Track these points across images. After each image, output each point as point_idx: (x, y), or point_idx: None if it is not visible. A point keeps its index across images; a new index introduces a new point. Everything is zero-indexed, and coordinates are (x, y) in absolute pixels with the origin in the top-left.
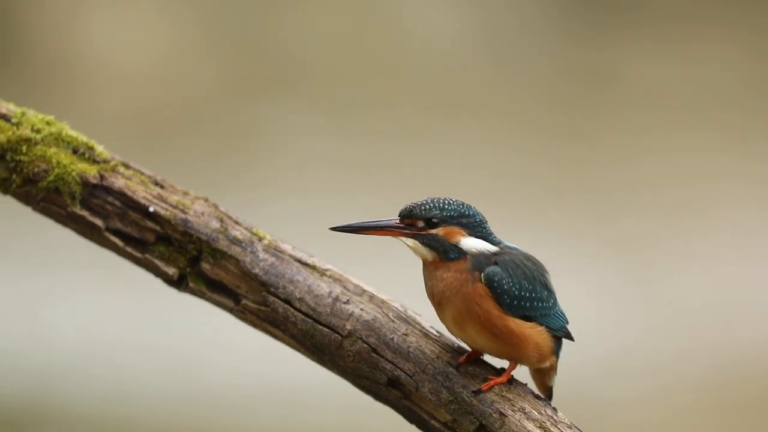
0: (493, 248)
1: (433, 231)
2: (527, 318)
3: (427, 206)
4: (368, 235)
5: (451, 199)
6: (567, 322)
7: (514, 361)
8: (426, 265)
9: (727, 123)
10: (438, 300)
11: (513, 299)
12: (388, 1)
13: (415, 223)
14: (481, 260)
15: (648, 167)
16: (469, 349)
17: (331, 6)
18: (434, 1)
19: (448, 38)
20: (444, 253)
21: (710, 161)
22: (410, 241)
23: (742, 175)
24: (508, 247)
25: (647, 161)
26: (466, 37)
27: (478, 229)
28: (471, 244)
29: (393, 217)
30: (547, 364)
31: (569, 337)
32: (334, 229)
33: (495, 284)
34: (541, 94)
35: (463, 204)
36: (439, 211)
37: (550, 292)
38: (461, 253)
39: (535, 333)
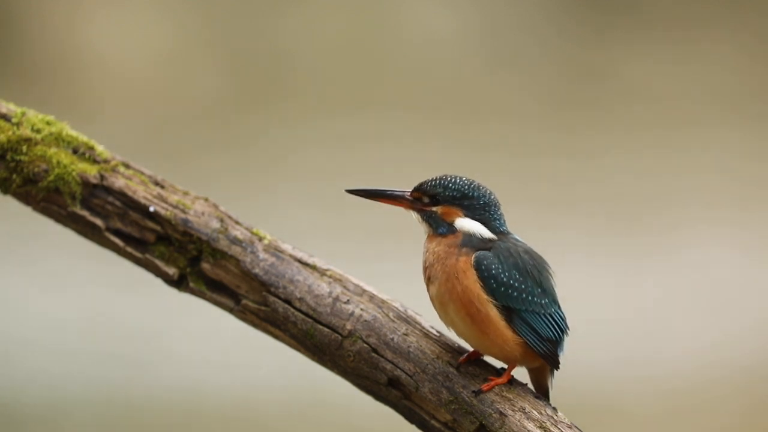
0: (488, 234)
1: (434, 208)
2: (511, 312)
3: (433, 183)
4: (379, 202)
5: (461, 179)
6: (564, 330)
7: (495, 357)
8: (426, 238)
9: (725, 121)
10: (428, 275)
11: (500, 285)
12: (388, 2)
13: (422, 197)
14: (473, 241)
15: (647, 165)
16: (470, 349)
17: (331, 8)
18: (434, 1)
19: (448, 38)
20: (436, 228)
21: (708, 158)
22: (414, 214)
23: (740, 172)
24: (513, 239)
25: (647, 159)
26: (465, 37)
27: (480, 212)
28: (465, 224)
29: (408, 189)
30: (536, 364)
31: (553, 362)
32: (349, 191)
33: (483, 267)
34: (541, 93)
35: (470, 185)
36: (441, 190)
37: (544, 290)
38: (452, 230)
39: (511, 337)
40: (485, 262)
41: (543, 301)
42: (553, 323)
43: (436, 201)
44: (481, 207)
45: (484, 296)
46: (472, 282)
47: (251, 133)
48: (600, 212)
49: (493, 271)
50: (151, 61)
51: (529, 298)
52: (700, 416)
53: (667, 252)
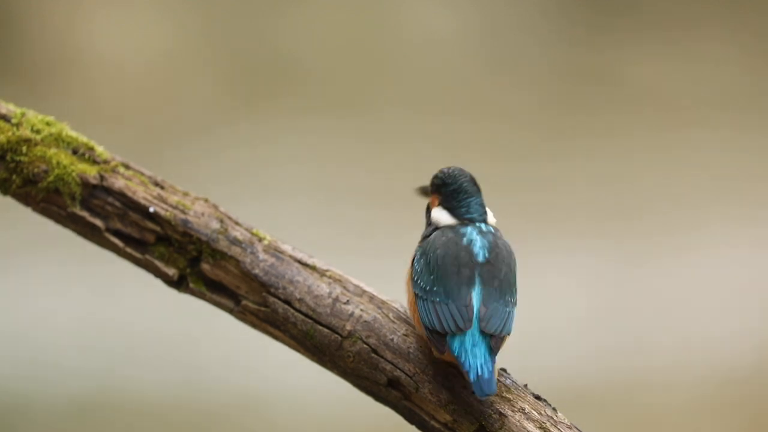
0: (449, 221)
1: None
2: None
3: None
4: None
5: (447, 168)
6: (446, 325)
7: None
8: None
9: (726, 122)
10: None
11: (413, 272)
12: (388, 2)
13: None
14: (427, 231)
15: (648, 166)
16: None
17: (331, 8)
18: (434, 1)
19: (448, 38)
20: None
21: (710, 159)
22: None
23: (741, 173)
24: (461, 230)
25: (648, 161)
26: (465, 37)
27: (449, 197)
28: (436, 214)
29: None
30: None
31: (435, 347)
32: (418, 190)
33: (414, 257)
34: (541, 94)
35: (447, 172)
36: (433, 180)
37: (440, 281)
38: (428, 222)
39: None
40: (416, 253)
41: (433, 288)
42: (434, 312)
43: (432, 193)
44: (450, 194)
45: (411, 286)
46: (408, 273)
47: (251, 133)
48: (601, 213)
49: (414, 260)
50: (151, 61)
51: (421, 283)
52: (702, 417)
53: (670, 252)
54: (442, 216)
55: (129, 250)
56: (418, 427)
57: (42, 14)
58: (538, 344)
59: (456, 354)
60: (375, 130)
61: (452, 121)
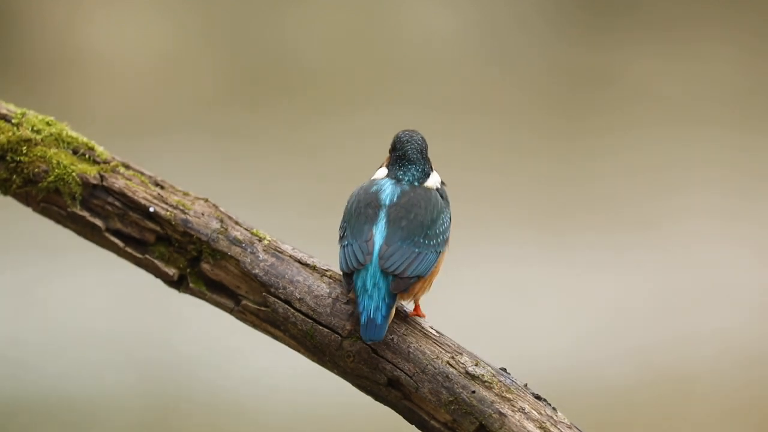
0: (379, 177)
1: None
2: None
3: None
4: None
5: (403, 132)
6: (348, 264)
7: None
8: None
9: (725, 121)
10: None
11: None
12: (388, 2)
13: None
14: None
15: (648, 164)
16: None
17: (331, 8)
18: (434, 1)
19: (448, 38)
20: None
21: (710, 157)
22: None
23: (741, 172)
24: (383, 181)
25: (648, 159)
26: (465, 36)
27: (394, 161)
28: (378, 171)
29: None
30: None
31: (345, 286)
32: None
33: None
34: (540, 94)
35: (399, 135)
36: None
37: (350, 224)
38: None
39: None
40: None
41: (345, 234)
42: (343, 255)
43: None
44: (395, 159)
45: None
46: None
47: (251, 133)
48: (600, 211)
49: None
50: (151, 61)
51: (340, 233)
52: (696, 414)
53: (673, 251)
54: (377, 173)
55: (129, 249)
56: (418, 427)
57: (42, 14)
58: (537, 343)
59: (356, 293)
60: (375, 129)
61: (452, 119)
